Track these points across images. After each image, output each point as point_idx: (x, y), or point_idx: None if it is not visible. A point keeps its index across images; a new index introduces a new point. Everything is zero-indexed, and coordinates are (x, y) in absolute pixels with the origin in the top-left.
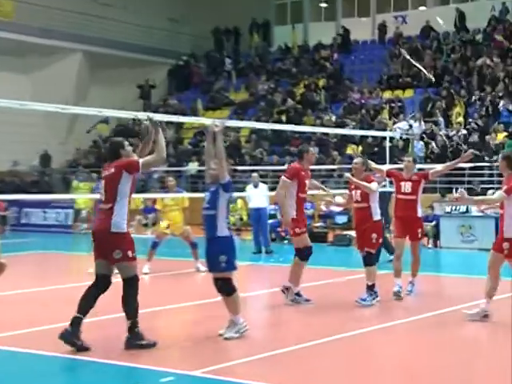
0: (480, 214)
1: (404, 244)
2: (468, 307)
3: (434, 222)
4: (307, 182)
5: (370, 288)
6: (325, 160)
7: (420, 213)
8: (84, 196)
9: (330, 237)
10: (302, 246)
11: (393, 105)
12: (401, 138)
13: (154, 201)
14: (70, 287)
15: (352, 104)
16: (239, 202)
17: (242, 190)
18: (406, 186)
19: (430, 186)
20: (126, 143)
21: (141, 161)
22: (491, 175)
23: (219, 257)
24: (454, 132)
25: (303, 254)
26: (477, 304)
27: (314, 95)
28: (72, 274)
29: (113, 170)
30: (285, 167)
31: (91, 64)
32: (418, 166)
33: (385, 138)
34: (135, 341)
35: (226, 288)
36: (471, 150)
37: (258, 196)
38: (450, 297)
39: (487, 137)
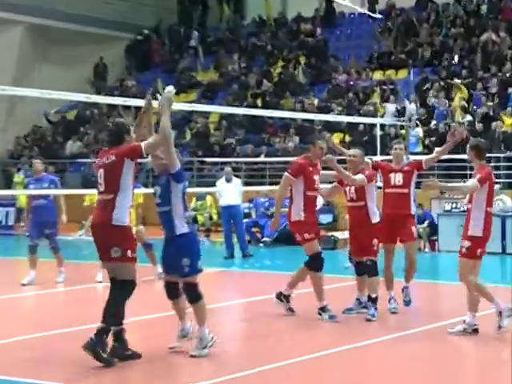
0: None
1: (393, 250)
2: (453, 323)
3: (426, 222)
4: (316, 178)
5: (375, 301)
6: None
7: (413, 210)
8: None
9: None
10: (311, 254)
11: (384, 87)
12: (402, 126)
13: None
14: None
15: (337, 86)
16: (208, 198)
17: (213, 184)
18: (397, 178)
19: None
20: (132, 128)
21: (143, 144)
22: (497, 168)
23: (181, 260)
24: (459, 119)
25: (317, 264)
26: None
27: (293, 76)
28: (7, 283)
29: (113, 157)
30: (261, 159)
31: (36, 39)
32: (414, 157)
33: (375, 126)
34: (96, 346)
35: (192, 294)
36: (460, 128)
37: (230, 192)
38: (449, 307)
39: (493, 124)
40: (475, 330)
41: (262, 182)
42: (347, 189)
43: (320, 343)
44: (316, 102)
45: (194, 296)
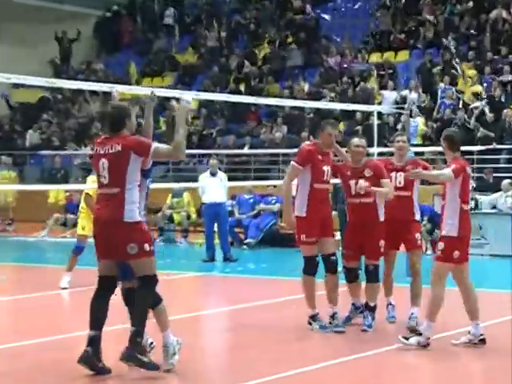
0: (492, 210)
1: (395, 258)
2: (459, 333)
3: (425, 218)
4: (326, 168)
5: (373, 309)
6: (297, 141)
7: (418, 215)
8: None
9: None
10: (304, 256)
11: (382, 72)
12: (400, 114)
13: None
14: None
15: (330, 70)
16: (186, 195)
17: (190, 179)
18: (398, 178)
19: None
20: (132, 111)
21: (154, 146)
22: (509, 160)
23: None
24: (473, 105)
25: (308, 267)
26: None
27: (281, 57)
28: None
29: (119, 148)
30: (245, 151)
31: None
32: (416, 149)
33: (371, 114)
34: (135, 353)
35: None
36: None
37: (215, 188)
38: (454, 316)
39: (505, 111)
40: (482, 341)
41: (245, 176)
42: (351, 183)
43: (308, 357)
44: (306, 87)
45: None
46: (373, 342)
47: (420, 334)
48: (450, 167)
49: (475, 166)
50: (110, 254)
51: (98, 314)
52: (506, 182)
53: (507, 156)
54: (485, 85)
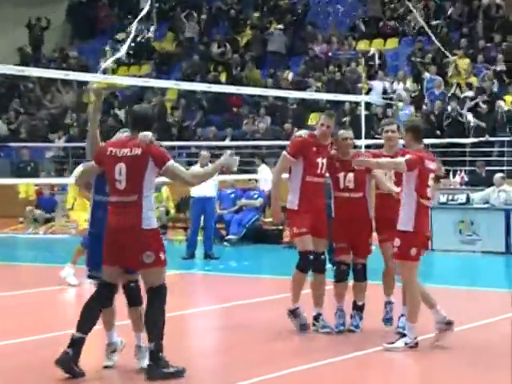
0: (485, 205)
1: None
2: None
3: None
4: (320, 161)
5: (361, 309)
6: (281, 133)
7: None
8: None
9: (287, 236)
10: (299, 251)
11: (371, 62)
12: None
13: (53, 188)
14: None
15: (316, 58)
16: (164, 190)
17: None
18: (388, 173)
19: None
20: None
21: (170, 162)
22: (501, 153)
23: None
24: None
25: (302, 263)
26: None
27: (263, 44)
28: None
29: (139, 152)
30: (226, 143)
31: None
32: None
33: (359, 104)
34: (160, 368)
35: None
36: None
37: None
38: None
39: (499, 102)
40: (416, 344)
41: None
42: (341, 175)
43: (293, 358)
44: (291, 76)
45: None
46: (360, 343)
47: (404, 335)
48: (405, 156)
49: (467, 159)
50: (121, 262)
51: (88, 318)
52: (498, 175)
53: (500, 149)
54: (480, 75)
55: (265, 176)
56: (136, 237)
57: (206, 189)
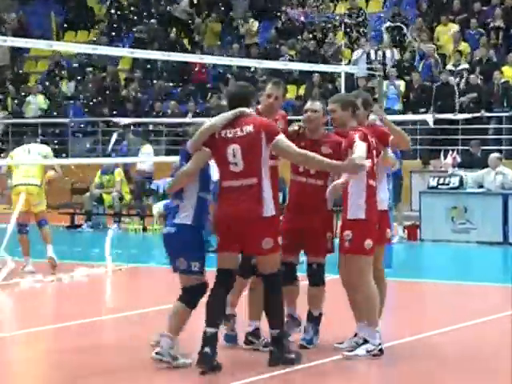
0: (480, 189)
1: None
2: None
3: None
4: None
5: (317, 320)
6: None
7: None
8: None
9: None
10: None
11: (351, 24)
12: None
13: None
14: None
15: (289, 23)
16: (117, 172)
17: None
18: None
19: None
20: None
21: (280, 136)
22: (498, 131)
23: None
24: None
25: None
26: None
27: (228, 7)
28: None
29: (251, 128)
30: (188, 119)
31: None
32: (393, 117)
33: (339, 76)
34: (284, 354)
35: None
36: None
37: None
38: (431, 313)
39: (495, 73)
40: (381, 351)
41: None
42: None
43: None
44: (255, 26)
45: None
46: (314, 352)
47: (366, 342)
48: (354, 136)
49: (460, 137)
50: (239, 247)
51: (216, 310)
52: (493, 156)
53: (497, 126)
54: (470, 41)
55: None
56: (256, 224)
57: None
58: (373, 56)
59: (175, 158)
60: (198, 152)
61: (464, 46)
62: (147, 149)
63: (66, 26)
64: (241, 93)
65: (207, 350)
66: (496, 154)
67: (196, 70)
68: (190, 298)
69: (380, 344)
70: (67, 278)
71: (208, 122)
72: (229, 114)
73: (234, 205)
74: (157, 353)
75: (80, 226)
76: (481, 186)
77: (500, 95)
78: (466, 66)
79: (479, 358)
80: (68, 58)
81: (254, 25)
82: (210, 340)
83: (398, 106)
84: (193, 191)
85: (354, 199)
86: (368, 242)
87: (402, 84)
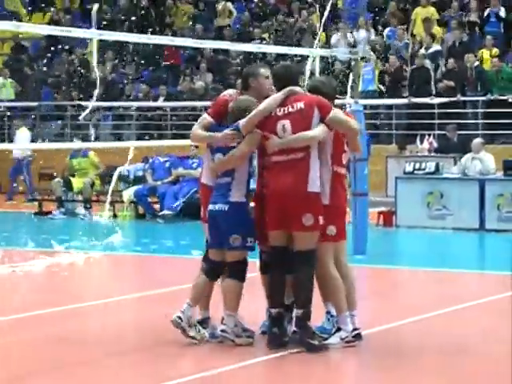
0: (456, 175)
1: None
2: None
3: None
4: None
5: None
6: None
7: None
8: None
9: None
10: None
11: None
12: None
13: None
14: None
15: (262, 4)
16: (92, 154)
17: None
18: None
19: (385, 133)
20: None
21: (335, 111)
22: (474, 115)
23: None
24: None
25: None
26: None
27: None
28: None
29: (302, 105)
30: (159, 103)
31: None
32: (368, 101)
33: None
34: (306, 338)
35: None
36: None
37: None
38: (407, 301)
39: (467, 56)
40: (357, 336)
41: (160, 134)
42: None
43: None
44: (231, 7)
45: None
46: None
47: (340, 329)
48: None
49: (436, 121)
50: (284, 225)
51: (277, 290)
52: (477, 140)
53: (473, 110)
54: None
55: None
56: (298, 200)
57: None
58: (350, 38)
59: (147, 143)
60: (251, 134)
61: (437, 30)
62: (23, 132)
63: (31, 8)
64: (288, 72)
65: (275, 330)
66: (479, 139)
67: (167, 53)
68: (241, 272)
69: (355, 330)
70: (35, 266)
71: (262, 103)
72: (280, 95)
73: (281, 179)
74: (222, 330)
75: (49, 212)
76: (465, 174)
77: (474, 79)
78: (439, 47)
79: (456, 344)
80: (35, 39)
81: (227, 5)
82: (275, 320)
83: (374, 87)
84: (244, 168)
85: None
86: (331, 228)
87: (377, 66)
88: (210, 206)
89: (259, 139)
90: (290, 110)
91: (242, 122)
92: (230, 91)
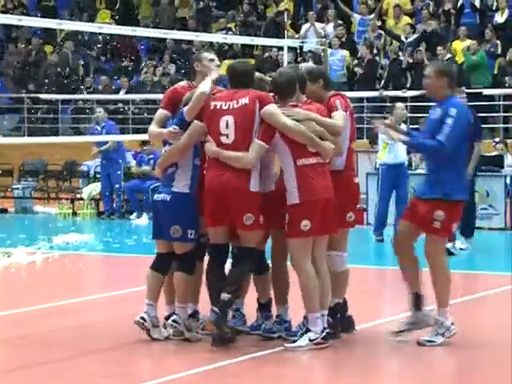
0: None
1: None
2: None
3: None
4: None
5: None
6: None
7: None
8: None
9: None
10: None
11: None
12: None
13: None
14: None
15: None
16: None
17: (54, 132)
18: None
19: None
20: None
21: (272, 106)
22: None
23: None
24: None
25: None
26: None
27: None
28: None
29: (246, 100)
30: (121, 96)
31: None
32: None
33: (281, 49)
34: (220, 321)
35: None
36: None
37: None
38: (377, 302)
39: (439, 48)
40: (328, 336)
41: (122, 128)
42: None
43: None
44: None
45: None
46: (253, 345)
47: (309, 331)
48: (337, 109)
49: (409, 115)
50: (226, 222)
51: (215, 289)
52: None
53: None
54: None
55: None
56: (242, 198)
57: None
58: (319, 29)
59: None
60: (192, 126)
61: (405, 20)
62: None
63: None
64: (245, 69)
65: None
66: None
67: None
68: (188, 264)
69: (324, 330)
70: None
71: (197, 89)
72: (208, 78)
73: (221, 176)
74: (173, 320)
75: (6, 210)
76: None
77: None
78: (417, 35)
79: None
80: None
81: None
82: (218, 318)
83: (343, 78)
84: (188, 159)
85: (287, 184)
86: (305, 223)
87: (346, 55)
88: (155, 197)
89: (201, 131)
90: (235, 105)
91: (185, 109)
92: (182, 83)
